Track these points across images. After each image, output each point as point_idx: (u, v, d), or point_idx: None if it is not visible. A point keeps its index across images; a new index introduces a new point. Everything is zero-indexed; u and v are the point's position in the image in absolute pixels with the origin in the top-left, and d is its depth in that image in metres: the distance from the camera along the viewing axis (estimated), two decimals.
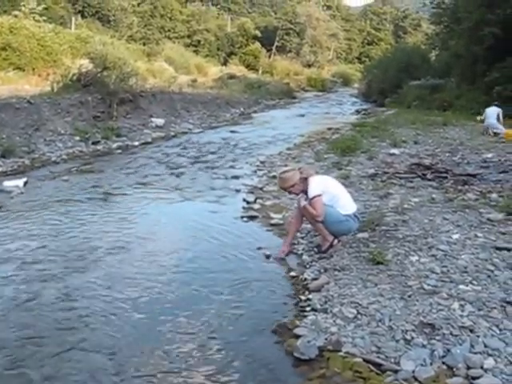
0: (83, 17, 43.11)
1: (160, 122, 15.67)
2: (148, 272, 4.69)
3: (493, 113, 12.93)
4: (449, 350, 3.12)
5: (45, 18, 28.47)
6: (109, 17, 44.97)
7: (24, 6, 26.18)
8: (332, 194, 4.86)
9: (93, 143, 12.06)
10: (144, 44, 43.12)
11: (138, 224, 6.19)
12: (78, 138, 12.04)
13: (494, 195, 6.44)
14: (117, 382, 3.06)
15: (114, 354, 3.34)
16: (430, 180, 7.59)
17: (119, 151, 11.87)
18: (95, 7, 45.31)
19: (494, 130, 12.50)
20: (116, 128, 13.44)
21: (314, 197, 4.75)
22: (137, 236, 5.72)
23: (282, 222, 6.14)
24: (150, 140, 13.57)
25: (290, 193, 5.13)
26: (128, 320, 3.79)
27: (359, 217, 5.08)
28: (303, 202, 4.84)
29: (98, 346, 3.42)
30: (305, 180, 4.90)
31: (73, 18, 37.75)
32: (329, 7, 73.32)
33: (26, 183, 8.10)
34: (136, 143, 12.93)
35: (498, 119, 12.81)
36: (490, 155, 9.47)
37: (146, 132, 14.46)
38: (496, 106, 13.37)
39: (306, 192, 4.87)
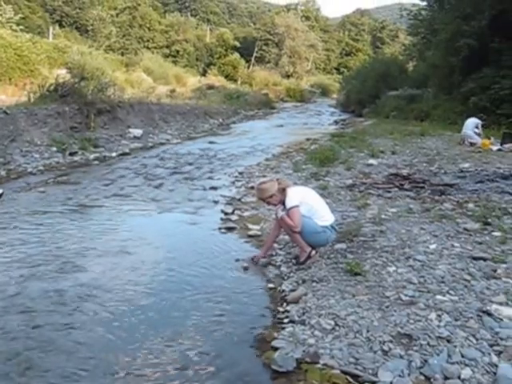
0: (61, 26, 42.87)
1: (138, 132, 15.56)
2: (124, 285, 4.62)
3: (470, 124, 13.11)
4: (426, 361, 3.12)
5: (22, 27, 28.28)
6: (87, 27, 44.81)
7: (1, 15, 25.96)
8: (310, 204, 4.87)
9: (70, 154, 11.91)
10: (122, 54, 43.06)
11: (114, 236, 6.11)
12: (54, 148, 11.88)
13: (471, 205, 6.52)
14: None
15: (87, 371, 3.27)
16: (407, 190, 7.65)
17: (96, 162, 11.74)
18: (73, 17, 45.13)
19: (470, 140, 12.69)
20: (93, 139, 13.30)
21: (292, 207, 4.76)
22: (113, 249, 5.64)
23: (260, 233, 6.13)
24: (127, 151, 13.45)
25: (268, 203, 5.13)
26: (103, 334, 3.72)
27: (336, 228, 5.10)
28: (280, 213, 4.85)
29: (70, 363, 3.35)
30: (283, 191, 4.91)
31: (50, 28, 37.50)
32: (307, 18, 74.05)
33: (1, 195, 7.93)
34: (114, 154, 12.81)
35: (475, 130, 12.97)
36: (466, 165, 9.59)
37: (124, 143, 14.35)
38: (477, 118, 13.53)
39: (284, 203, 4.88)
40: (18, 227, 6.37)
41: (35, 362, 3.36)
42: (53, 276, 4.80)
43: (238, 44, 58.09)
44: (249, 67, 56.64)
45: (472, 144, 12.52)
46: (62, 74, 17.43)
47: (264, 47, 64.03)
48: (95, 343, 3.61)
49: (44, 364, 3.34)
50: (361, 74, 33.82)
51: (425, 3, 26.17)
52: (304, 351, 3.37)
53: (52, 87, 14.65)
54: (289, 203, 4.79)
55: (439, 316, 3.59)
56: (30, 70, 21.80)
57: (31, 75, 21.29)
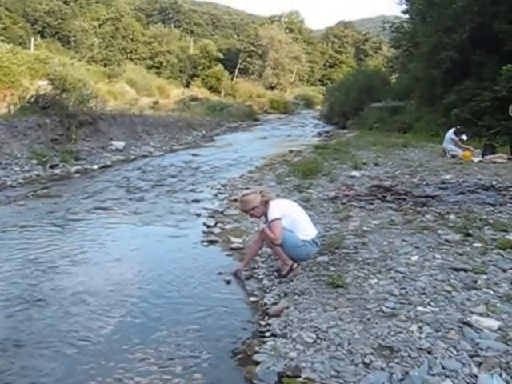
0: (43, 37, 42.70)
1: (120, 145, 15.49)
2: (104, 299, 4.56)
3: (447, 138, 13.23)
4: (407, 373, 3.11)
5: (2, 37, 28.09)
6: (69, 37, 44.68)
7: None
8: (292, 217, 4.86)
9: (51, 167, 11.80)
10: (105, 65, 42.97)
11: (95, 250, 6.04)
12: (35, 161, 11.76)
13: (452, 216, 6.56)
14: None
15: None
16: (389, 202, 7.69)
17: (78, 175, 11.64)
18: (55, 28, 44.98)
19: (451, 153, 12.82)
20: (75, 151, 13.20)
21: (273, 220, 4.75)
22: (93, 262, 5.59)
23: (242, 246, 6.10)
24: (109, 163, 13.37)
25: (251, 215, 5.12)
26: (82, 350, 3.66)
27: (318, 243, 5.07)
28: (262, 225, 4.84)
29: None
30: (266, 203, 4.90)
31: (32, 39, 37.30)
32: (291, 30, 74.72)
33: None
34: (95, 167, 12.72)
35: (455, 142, 13.07)
36: (448, 176, 9.68)
37: (106, 155, 14.27)
38: (454, 128, 13.60)
39: (266, 215, 4.87)
40: None
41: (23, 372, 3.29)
42: (31, 289, 4.73)
43: (221, 56, 58.36)
44: (232, 79, 56.91)
45: (454, 156, 12.65)
46: (44, 85, 17.35)
47: (248, 59, 64.39)
48: (70, 358, 3.55)
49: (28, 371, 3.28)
50: (344, 86, 34.08)
51: (407, 16, 26.57)
52: (286, 365, 3.34)
53: (33, 99, 14.56)
54: (270, 216, 4.78)
55: (420, 328, 3.59)
56: (10, 81, 21.66)
57: (12, 86, 21.15)
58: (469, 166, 11.01)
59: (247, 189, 8.94)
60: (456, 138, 13.07)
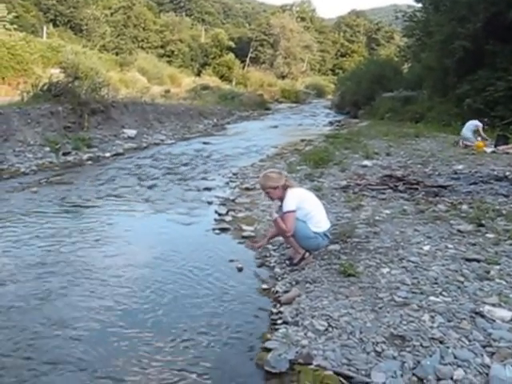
0: (55, 25, 42.70)
1: (132, 132, 15.52)
2: (117, 286, 4.60)
3: (470, 126, 13.12)
4: (419, 362, 3.12)
5: (15, 26, 28.18)
6: (81, 26, 44.65)
7: None
8: (307, 210, 4.81)
9: (63, 154, 11.87)
10: (117, 54, 42.93)
11: (107, 237, 6.09)
12: (48, 148, 11.83)
13: (465, 207, 6.52)
14: None
15: (83, 370, 3.27)
16: (401, 192, 7.65)
17: (90, 162, 11.71)
18: (67, 16, 44.95)
19: (465, 143, 12.71)
20: (87, 139, 13.24)
21: (287, 212, 4.72)
22: (106, 249, 5.63)
23: (254, 234, 6.12)
24: (121, 151, 13.42)
25: (268, 195, 4.98)
26: (97, 333, 3.71)
27: (330, 236, 5.02)
28: (275, 215, 4.82)
29: (65, 362, 3.34)
30: (285, 188, 4.85)
31: (44, 27, 37.35)
32: (303, 19, 74.18)
33: None
34: (107, 154, 12.77)
35: (474, 133, 12.98)
36: (460, 167, 9.60)
37: (118, 143, 14.31)
38: (479, 121, 13.49)
39: (282, 201, 4.85)
40: (10, 227, 6.35)
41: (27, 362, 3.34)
42: (44, 275, 4.78)
43: (232, 44, 58.10)
44: (244, 68, 56.68)
45: (467, 146, 12.55)
46: (56, 73, 17.39)
47: (259, 48, 64.10)
48: (85, 344, 3.60)
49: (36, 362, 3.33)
50: (356, 76, 33.86)
51: (420, 5, 26.19)
52: (297, 352, 3.36)
53: (46, 87, 14.59)
54: (285, 206, 4.74)
55: (432, 317, 3.59)
56: (23, 69, 21.77)
57: (25, 74, 21.26)
58: (481, 157, 10.92)
59: (258, 177, 8.97)
60: (481, 125, 13.00)
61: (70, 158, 11.82)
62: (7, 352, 3.46)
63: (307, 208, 4.81)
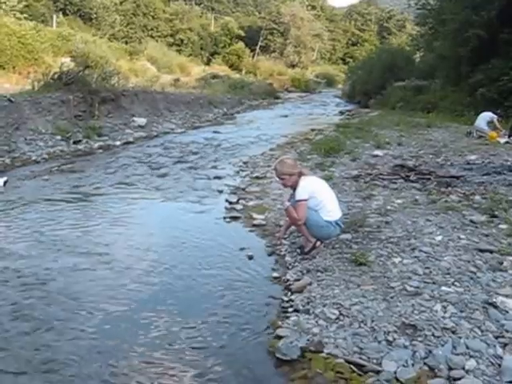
0: (65, 14, 42.63)
1: (142, 121, 15.52)
2: (128, 273, 4.63)
3: (485, 117, 12.99)
4: (430, 351, 3.12)
5: (26, 15, 28.21)
6: (91, 15, 44.56)
7: (4, 3, 25.87)
8: (319, 199, 4.78)
9: (74, 142, 11.91)
10: (126, 43, 42.88)
11: (118, 224, 6.11)
12: (59, 137, 11.87)
13: (477, 197, 6.46)
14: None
15: (99, 353, 3.30)
16: (413, 182, 7.60)
17: (101, 151, 11.74)
18: (77, 5, 44.83)
19: (479, 133, 12.59)
20: (98, 127, 13.28)
21: (299, 201, 4.70)
22: (117, 237, 5.66)
23: (264, 222, 6.11)
24: (131, 140, 13.44)
25: (282, 181, 4.92)
26: (109, 319, 3.74)
27: (342, 225, 5.00)
28: (286, 204, 4.81)
29: (78, 347, 3.37)
30: (299, 176, 4.83)
31: (54, 16, 37.34)
32: (313, 7, 73.56)
33: (6, 182, 7.97)
34: (118, 143, 12.80)
35: (488, 124, 12.86)
36: (473, 157, 9.52)
37: (128, 132, 14.32)
38: (493, 112, 13.36)
39: (294, 189, 4.82)
40: (21, 214, 6.41)
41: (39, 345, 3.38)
42: (55, 261, 4.84)
43: (242, 33, 57.74)
44: (253, 57, 56.39)
45: (480, 136, 12.43)
46: (66, 62, 17.42)
47: (269, 36, 63.71)
48: (98, 326, 3.64)
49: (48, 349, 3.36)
50: (367, 65, 33.57)
51: None
52: (308, 340, 3.37)
53: (56, 75, 14.60)
54: (298, 195, 4.72)
55: (444, 307, 3.58)
56: (33, 58, 21.78)
57: (35, 63, 21.28)
58: (495, 147, 10.81)
59: (269, 166, 8.96)
60: (496, 117, 12.88)
61: (80, 147, 11.86)
62: (33, 320, 3.53)
63: (319, 197, 4.79)
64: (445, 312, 3.52)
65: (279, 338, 3.44)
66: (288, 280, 4.44)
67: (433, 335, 3.27)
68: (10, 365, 3.19)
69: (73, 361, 3.25)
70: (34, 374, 3.13)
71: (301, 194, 4.72)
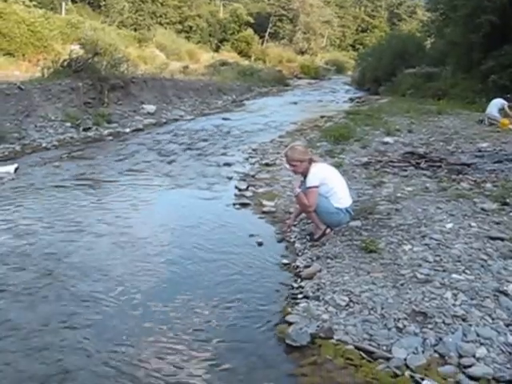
0: (73, 2, 42.47)
1: (151, 108, 15.53)
2: (137, 259, 4.66)
3: (496, 104, 12.86)
4: (441, 339, 3.12)
5: (35, 2, 28.18)
6: (99, 2, 44.34)
7: None
8: (329, 186, 4.79)
9: (84, 130, 11.94)
10: (135, 30, 42.70)
11: (128, 211, 6.14)
12: (68, 124, 11.91)
13: (489, 185, 6.40)
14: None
15: (109, 339, 3.33)
16: (423, 169, 7.55)
17: (110, 138, 11.76)
18: None
19: (490, 120, 12.46)
20: (107, 114, 13.30)
21: (310, 187, 4.70)
22: (127, 222, 5.68)
23: (274, 209, 6.11)
24: (141, 127, 13.44)
25: (293, 167, 4.88)
26: (116, 307, 3.77)
27: (352, 212, 5.00)
28: (297, 190, 4.80)
29: (90, 333, 3.41)
30: (310, 163, 4.82)
31: (63, 3, 37.21)
32: None
33: (16, 169, 8.03)
34: (127, 130, 12.81)
35: (500, 111, 12.72)
36: (484, 145, 9.42)
37: (138, 119, 14.33)
38: (504, 99, 13.21)
39: (305, 176, 4.82)
40: (34, 199, 6.47)
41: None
42: (65, 248, 4.87)
43: (251, 20, 57.25)
44: (262, 43, 56.01)
45: (491, 124, 12.30)
46: (76, 49, 17.39)
47: (278, 23, 63.18)
48: (107, 312, 3.66)
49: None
50: (377, 51, 33.23)
51: None
52: (318, 326, 3.38)
53: (65, 63, 14.61)
54: (308, 182, 4.72)
55: (455, 295, 3.57)
56: (43, 45, 21.80)
57: (44, 51, 21.31)
58: (506, 135, 10.69)
59: (278, 153, 8.94)
60: (507, 103, 12.74)
61: (90, 134, 11.89)
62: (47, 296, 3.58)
63: (330, 184, 4.78)
64: (455, 300, 3.51)
65: (289, 324, 3.45)
66: (298, 267, 4.45)
67: (443, 323, 3.27)
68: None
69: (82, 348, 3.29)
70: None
71: (312, 180, 4.70)
